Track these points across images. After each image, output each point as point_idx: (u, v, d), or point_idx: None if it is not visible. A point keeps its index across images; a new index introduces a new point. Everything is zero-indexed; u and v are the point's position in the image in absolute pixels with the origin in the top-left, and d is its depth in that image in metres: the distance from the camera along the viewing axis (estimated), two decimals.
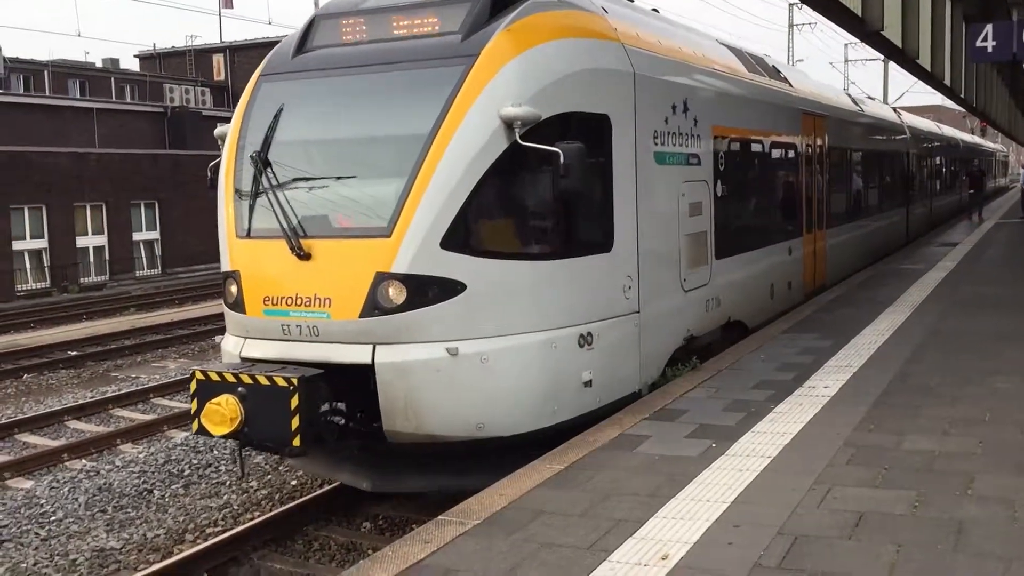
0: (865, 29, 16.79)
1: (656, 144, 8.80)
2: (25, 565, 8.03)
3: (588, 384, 7.70)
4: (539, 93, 7.34)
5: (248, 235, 7.57)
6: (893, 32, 18.68)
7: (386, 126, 7.43)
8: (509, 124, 7.04)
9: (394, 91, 7.49)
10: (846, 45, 58.57)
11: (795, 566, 4.77)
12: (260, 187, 7.54)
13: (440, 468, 7.58)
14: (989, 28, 15.19)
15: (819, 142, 14.54)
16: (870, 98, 24.48)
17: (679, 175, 9.33)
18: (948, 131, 35.41)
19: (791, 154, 13.34)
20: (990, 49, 15.22)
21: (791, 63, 50.14)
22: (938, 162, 30.32)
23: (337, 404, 7.10)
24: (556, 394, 7.44)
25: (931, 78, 24.01)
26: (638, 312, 8.43)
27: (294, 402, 6.74)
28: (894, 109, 24.81)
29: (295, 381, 6.75)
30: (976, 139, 51.03)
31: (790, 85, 13.69)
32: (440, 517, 5.66)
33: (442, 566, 4.96)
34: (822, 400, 8.00)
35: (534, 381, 7.32)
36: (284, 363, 7.18)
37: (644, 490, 5.98)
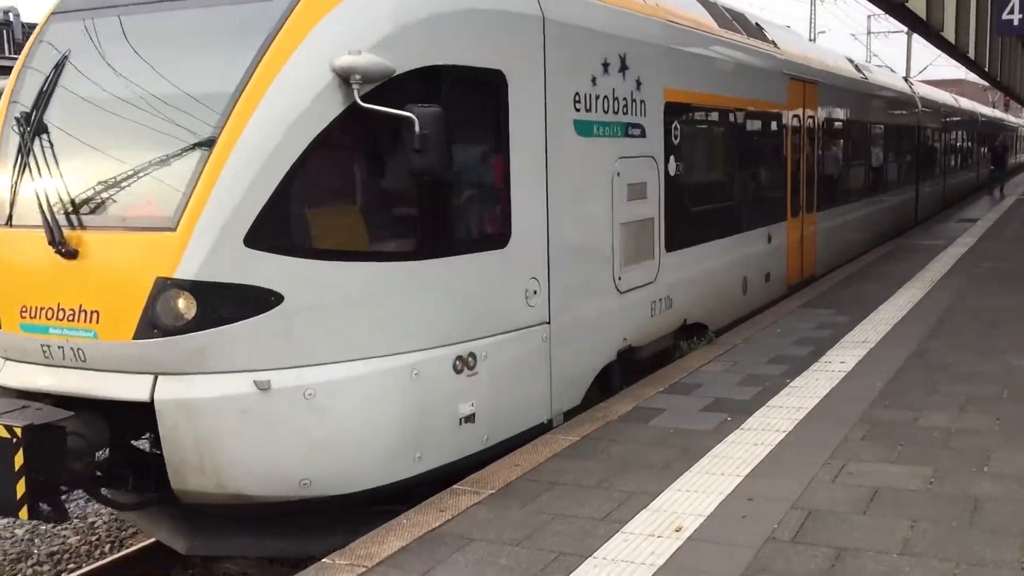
0: (890, 0, 16.55)
1: (578, 110, 7.09)
2: None
3: (469, 419, 6.06)
4: (391, 38, 5.58)
5: (9, 223, 5.80)
6: (918, 3, 18.42)
7: (185, 81, 5.59)
8: (345, 79, 5.35)
9: (198, 35, 5.74)
10: (869, 17, 57.80)
11: (809, 540, 4.77)
12: (25, 160, 5.80)
13: (278, 527, 5.92)
14: (1016, 0, 14.93)
15: (810, 112, 13.01)
16: (878, 66, 22.95)
17: (613, 149, 7.64)
18: (966, 104, 33.63)
19: (773, 126, 11.72)
20: (1016, 22, 14.95)
21: (812, 35, 49.54)
22: (954, 137, 28.54)
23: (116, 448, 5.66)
24: (419, 436, 5.77)
25: (955, 51, 23.68)
26: (547, 323, 6.78)
27: (18, 460, 5.03)
28: (905, 79, 23.17)
29: (18, 431, 5.01)
30: (997, 113, 48.68)
31: (775, 46, 11.94)
32: (455, 486, 5.69)
33: (457, 534, 4.99)
34: (838, 375, 7.98)
35: (386, 421, 5.62)
36: (49, 396, 5.58)
37: (658, 462, 5.99)
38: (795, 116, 12.35)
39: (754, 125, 11.07)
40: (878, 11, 21.82)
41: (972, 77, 42.36)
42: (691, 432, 6.59)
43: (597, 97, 7.37)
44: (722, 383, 7.87)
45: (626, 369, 8.03)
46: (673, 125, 8.69)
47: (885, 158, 18.30)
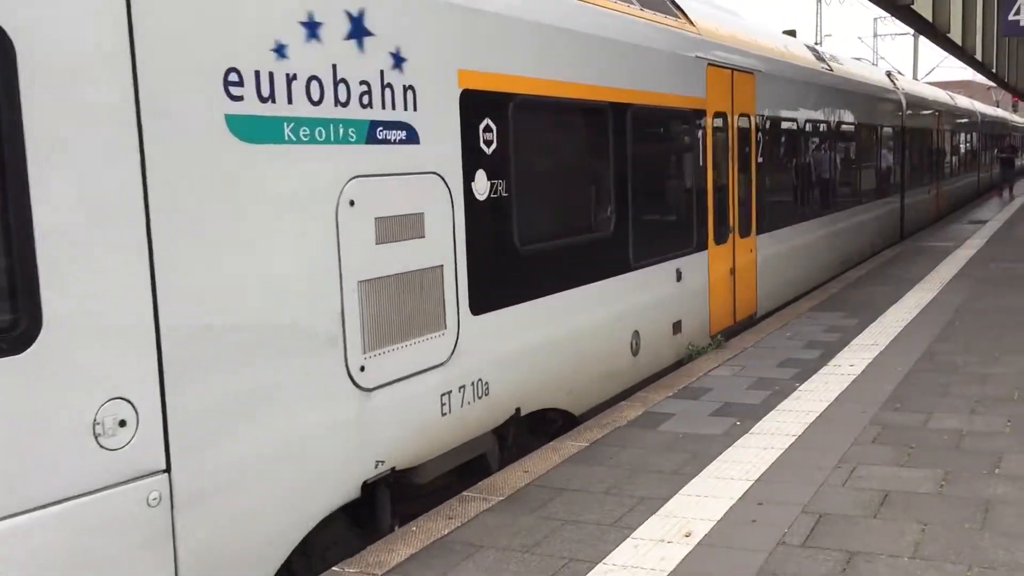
0: (895, 2, 16.54)
1: (240, 99, 4.33)
2: None
3: None
4: None
5: None
6: (924, 5, 18.41)
7: None
8: None
9: None
10: (875, 19, 57.76)
11: (819, 544, 4.75)
12: None
13: None
14: (1022, 2, 14.90)
15: (744, 110, 10.40)
16: (856, 59, 19.64)
17: (337, 164, 4.89)
18: (964, 102, 30.56)
19: (682, 127, 9.05)
20: (1023, 23, 14.92)
21: (819, 38, 49.47)
22: (950, 139, 25.60)
23: None
24: None
25: (962, 53, 23.64)
26: (166, 471, 4.02)
27: None
28: (888, 74, 20.10)
29: None
30: (1001, 113, 45.24)
31: (688, 22, 9.32)
32: (464, 493, 5.68)
33: (466, 541, 4.99)
34: (848, 378, 7.95)
35: None
36: None
37: (668, 468, 5.98)
38: (720, 115, 9.66)
39: (646, 126, 8.30)
40: (884, 14, 21.67)
41: (979, 79, 42.28)
42: (700, 437, 6.57)
43: (291, 78, 4.58)
44: (731, 387, 7.85)
45: (393, 499, 5.42)
46: (483, 126, 6.00)
47: (857, 165, 15.66)
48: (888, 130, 17.89)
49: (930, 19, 19.07)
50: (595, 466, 6.07)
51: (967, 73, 42.16)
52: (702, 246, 9.42)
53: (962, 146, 28.98)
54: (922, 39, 28.98)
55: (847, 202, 15.06)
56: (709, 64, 9.38)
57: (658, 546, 4.81)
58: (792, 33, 15.71)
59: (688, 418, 7.03)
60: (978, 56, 24.33)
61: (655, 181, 8.69)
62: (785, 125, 11.97)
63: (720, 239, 9.84)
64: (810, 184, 13.13)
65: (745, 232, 10.53)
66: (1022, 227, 20.91)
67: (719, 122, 9.71)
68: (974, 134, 31.53)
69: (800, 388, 7.73)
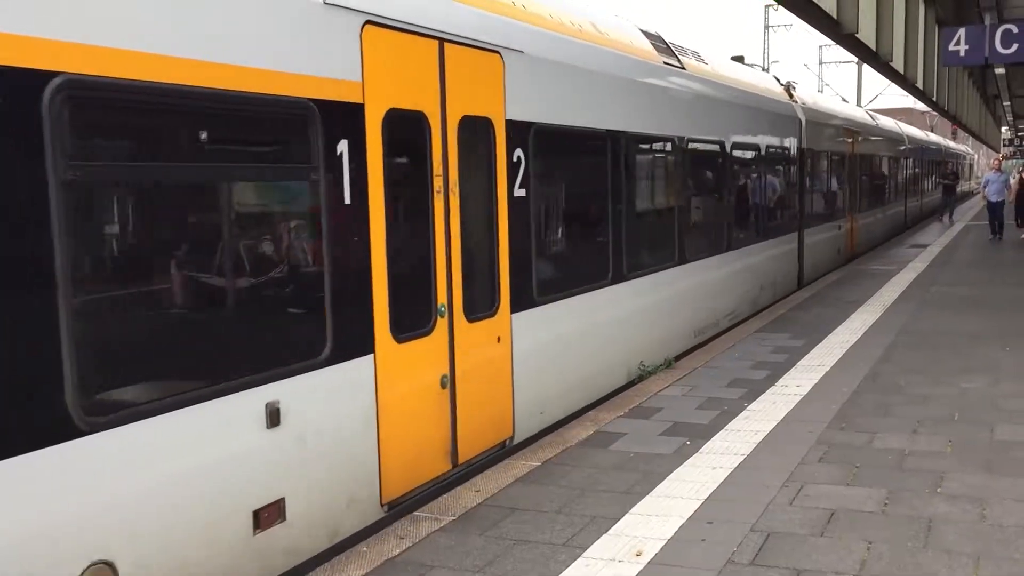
0: (840, 31, 16.93)
1: None
2: None
3: None
4: None
5: None
6: (867, 35, 18.87)
7: None
8: None
9: None
10: (820, 47, 59.09)
11: (768, 562, 4.81)
12: None
13: None
14: (962, 32, 15.36)
15: (479, 111, 6.50)
16: (737, 60, 15.46)
17: None
18: (887, 124, 26.91)
19: (281, 135, 4.98)
20: (962, 53, 15.37)
21: (767, 64, 50.46)
22: (868, 165, 22.29)
23: None
24: None
25: (904, 81, 24.25)
26: None
27: None
28: (784, 84, 16.37)
29: None
30: (934, 138, 41.89)
31: None
32: (415, 513, 5.65)
33: (417, 562, 4.96)
34: (795, 399, 8.07)
35: None
36: None
37: (619, 487, 6.01)
38: (408, 116, 5.78)
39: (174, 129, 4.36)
40: (829, 41, 22.06)
41: (920, 106, 43.41)
42: (651, 456, 6.62)
43: None
44: (681, 407, 7.92)
45: None
46: None
47: (724, 198, 11.89)
48: (777, 152, 14.23)
49: (874, 48, 19.55)
50: (546, 485, 6.08)
51: (908, 100, 43.24)
52: (355, 348, 5.30)
53: (887, 173, 25.48)
54: (866, 67, 29.66)
55: (701, 249, 10.98)
56: (370, 23, 5.44)
57: (609, 565, 4.82)
58: (740, 59, 15.91)
59: (639, 437, 7.07)
60: (919, 84, 24.99)
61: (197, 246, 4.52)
62: (578, 141, 8.04)
63: (411, 329, 5.79)
64: (632, 226, 9.02)
65: (481, 309, 6.54)
66: (962, 251, 21.47)
67: (406, 129, 5.75)
68: (903, 160, 28.27)
69: (748, 408, 7.82)
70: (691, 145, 10.54)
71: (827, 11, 15.71)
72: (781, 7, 15.76)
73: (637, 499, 5.76)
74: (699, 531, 5.23)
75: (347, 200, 5.23)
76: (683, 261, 10.46)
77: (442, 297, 6.10)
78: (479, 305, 6.57)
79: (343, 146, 5.20)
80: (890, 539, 5.07)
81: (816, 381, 8.69)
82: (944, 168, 39.41)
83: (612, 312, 8.72)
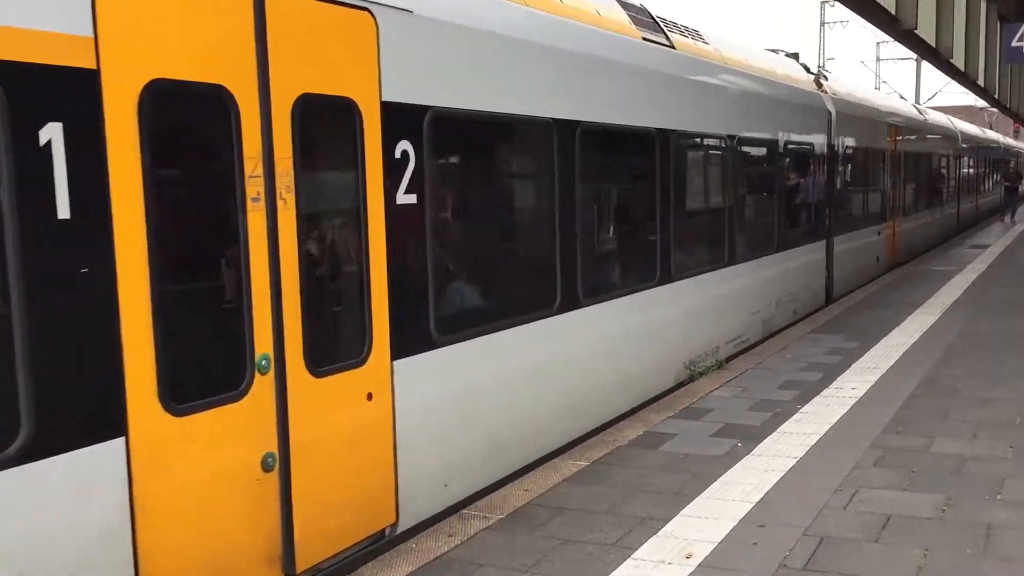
0: (899, 28, 16.63)
1: None
2: None
3: None
4: None
5: None
6: (927, 31, 18.50)
7: None
8: None
9: None
10: (878, 44, 58.08)
11: (821, 568, 4.73)
12: None
13: None
14: None
15: (332, 87, 4.82)
16: (748, 45, 12.20)
17: None
18: (937, 119, 24.54)
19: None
20: None
21: (822, 61, 49.70)
22: (914, 164, 20.12)
23: None
24: None
25: (964, 78, 23.72)
26: None
27: None
28: (813, 72, 14.37)
29: None
30: (993, 135, 38.86)
31: None
32: (464, 511, 5.66)
33: (465, 559, 4.96)
34: (849, 401, 7.93)
35: None
36: None
37: (668, 488, 5.96)
38: (189, 91, 4.10)
39: None
40: (887, 38, 21.54)
41: (980, 103, 42.45)
42: (701, 458, 6.55)
43: None
44: (732, 408, 7.83)
45: None
46: None
47: (727, 201, 10.17)
48: (798, 148, 12.48)
49: (933, 44, 19.15)
50: (595, 485, 6.05)
51: (969, 98, 42.29)
52: (83, 431, 3.68)
53: (937, 173, 23.50)
54: (924, 64, 29.03)
55: (688, 266, 9.09)
56: None
57: (658, 567, 4.78)
58: (795, 56, 15.61)
59: (689, 438, 7.01)
60: (980, 82, 24.42)
61: None
62: (503, 132, 6.48)
63: (203, 393, 4.17)
64: (589, 239, 7.30)
65: (338, 358, 4.88)
66: (1023, 252, 20.94)
67: (190, 110, 4.26)
68: (957, 158, 26.08)
69: (801, 410, 7.71)
70: (679, 141, 8.76)
71: (885, 7, 15.44)
72: (838, 3, 15.48)
73: (687, 501, 5.70)
74: (751, 534, 5.16)
75: (64, 213, 3.55)
76: (666, 280, 8.62)
77: (263, 345, 4.35)
78: (335, 352, 4.86)
79: (52, 133, 3.51)
80: (947, 546, 4.96)
81: (872, 384, 8.54)
82: (1005, 167, 38.41)
83: (555, 348, 6.83)
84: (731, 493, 5.82)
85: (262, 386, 4.38)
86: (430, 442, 5.54)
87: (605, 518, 5.49)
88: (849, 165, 15.00)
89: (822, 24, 52.57)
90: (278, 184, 4.41)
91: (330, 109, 4.83)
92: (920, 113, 22.38)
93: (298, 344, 4.55)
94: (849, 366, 9.31)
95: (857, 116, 15.26)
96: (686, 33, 9.55)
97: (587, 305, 7.26)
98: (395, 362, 5.20)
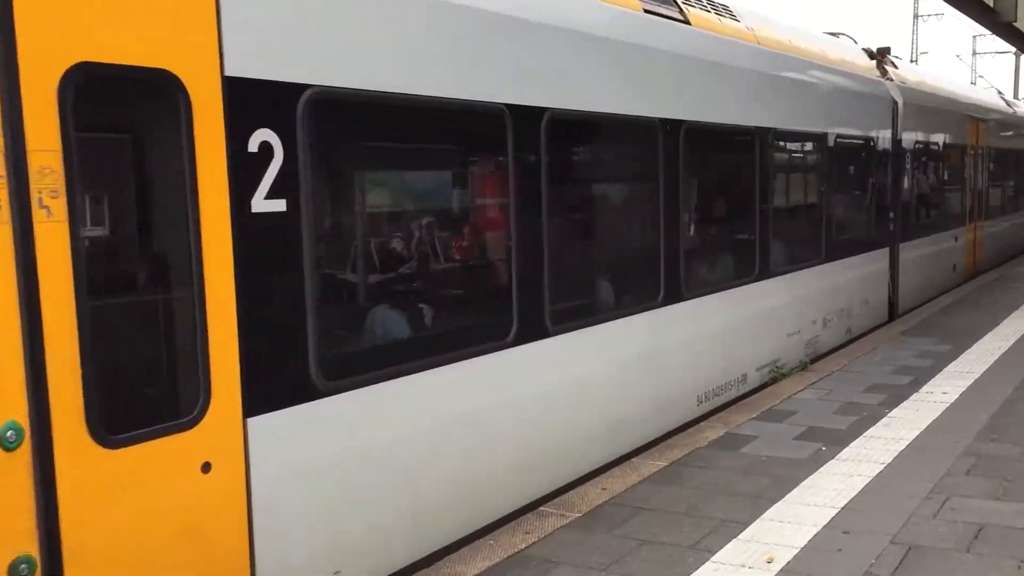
0: (996, 20, 16.04)
1: None
2: None
3: None
4: None
5: None
6: None
7: None
8: None
9: None
10: (974, 37, 56.14)
11: None
12: None
13: None
14: None
15: (145, 57, 3.62)
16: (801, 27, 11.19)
17: None
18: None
19: None
20: None
21: (915, 55, 48.24)
22: (998, 160, 18.26)
23: None
24: None
25: None
26: None
27: None
28: (874, 54, 12.89)
29: None
30: None
31: None
32: (541, 508, 5.66)
33: (542, 557, 4.96)
34: (940, 406, 7.67)
35: None
36: None
37: (749, 491, 5.85)
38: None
39: None
40: (984, 31, 20.72)
41: None
42: (784, 461, 6.42)
43: None
44: (817, 411, 7.65)
45: None
46: None
47: (716, 207, 8.63)
48: (853, 144, 11.15)
49: None
50: (674, 486, 5.98)
51: None
52: None
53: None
54: None
55: (696, 285, 7.57)
56: None
57: (739, 571, 4.70)
58: (887, 51, 15.01)
59: (771, 441, 6.87)
60: None
61: None
62: (421, 119, 5.04)
63: None
64: (556, 253, 5.86)
65: (153, 418, 3.75)
66: None
67: None
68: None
69: (890, 414, 7.49)
70: (693, 133, 7.26)
71: None
72: None
73: (769, 504, 5.59)
74: (835, 540, 5.03)
75: None
76: (674, 299, 7.11)
77: (7, 409, 3.22)
78: (144, 410, 3.79)
79: None
80: None
81: (964, 389, 8.25)
82: None
83: (505, 391, 5.49)
84: (814, 498, 5.68)
85: (10, 466, 3.21)
86: (312, 520, 4.28)
87: (684, 519, 5.42)
88: (920, 162, 13.55)
89: (915, 17, 51.07)
90: (33, 188, 3.23)
91: (134, 85, 3.66)
92: (1009, 105, 20.69)
93: (74, 404, 3.35)
94: (941, 370, 9.02)
95: (930, 107, 13.77)
96: (709, 7, 8.17)
97: (556, 333, 5.82)
98: (250, 420, 3.96)
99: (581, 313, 6.24)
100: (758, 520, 5.36)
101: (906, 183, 12.77)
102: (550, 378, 5.87)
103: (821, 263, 10.06)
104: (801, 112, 9.56)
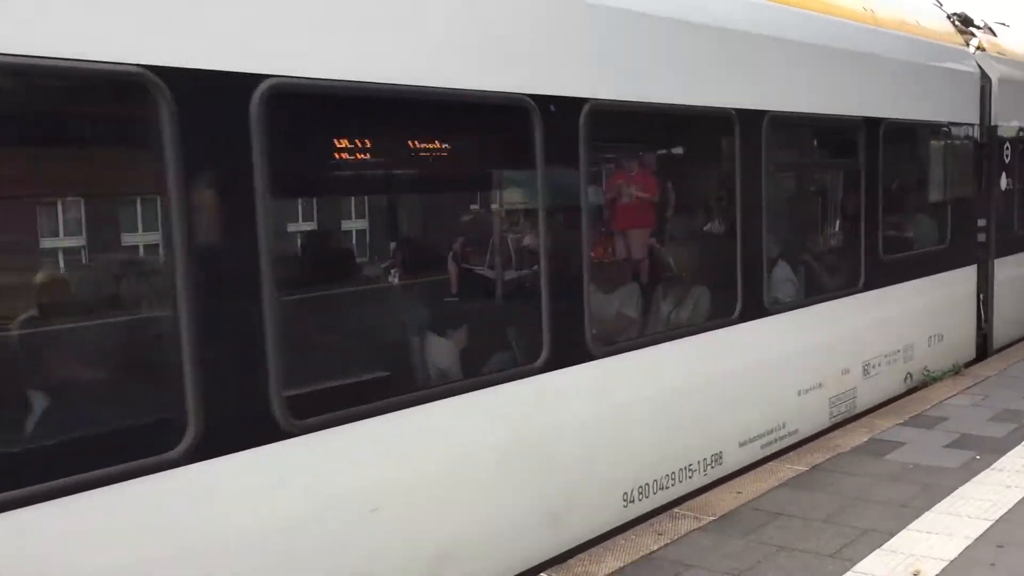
0: None
1: None
2: None
3: None
4: None
5: None
6: None
7: None
8: None
9: None
10: None
11: None
12: None
13: None
14: None
15: None
16: None
17: None
18: None
19: None
20: None
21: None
22: None
23: None
24: None
25: None
26: None
27: None
28: (954, 19, 9.81)
29: None
30: None
31: None
32: (675, 510, 5.59)
33: (674, 559, 4.89)
34: None
35: None
36: None
37: (895, 499, 5.61)
38: None
39: None
40: None
41: None
42: (933, 469, 6.12)
43: None
44: (970, 418, 7.27)
45: None
46: None
47: (722, 217, 6.73)
48: (922, 132, 8.51)
49: None
50: (814, 492, 5.79)
51: None
52: None
53: None
54: None
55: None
56: None
57: None
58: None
59: (919, 448, 6.57)
60: None
61: None
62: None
63: None
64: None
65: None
66: None
67: None
68: None
69: None
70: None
71: None
72: None
73: (916, 514, 5.35)
74: (987, 554, 4.77)
75: None
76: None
77: None
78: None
79: None
80: None
81: None
82: None
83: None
84: (966, 509, 5.40)
85: None
86: None
87: (824, 527, 5.24)
88: (1020, 155, 10.36)
89: None
90: None
91: None
92: None
93: None
94: None
95: None
96: None
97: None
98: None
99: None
100: (904, 530, 5.14)
101: (1003, 183, 9.96)
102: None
103: (859, 292, 7.48)
104: (829, 91, 7.07)
